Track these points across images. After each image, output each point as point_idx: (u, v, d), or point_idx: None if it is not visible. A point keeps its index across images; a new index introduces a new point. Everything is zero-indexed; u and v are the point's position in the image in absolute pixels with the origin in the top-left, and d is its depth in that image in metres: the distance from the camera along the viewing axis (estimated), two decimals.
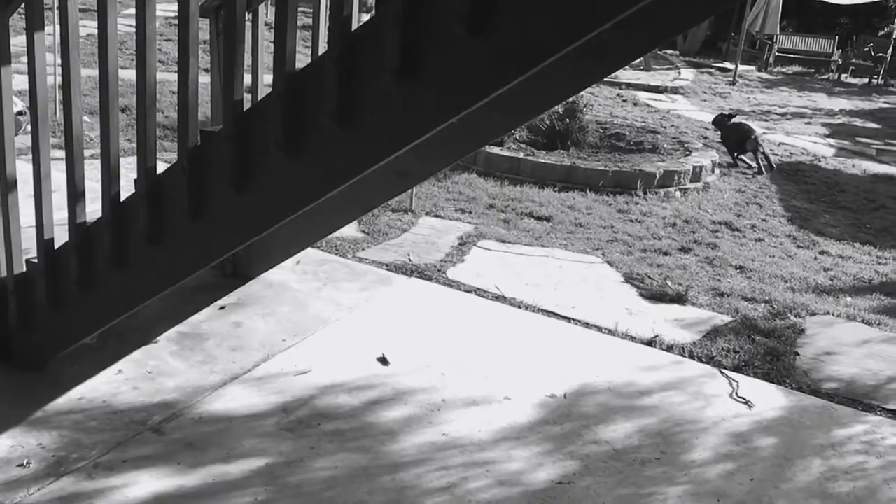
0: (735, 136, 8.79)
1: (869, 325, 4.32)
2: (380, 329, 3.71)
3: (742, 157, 8.75)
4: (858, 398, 3.48)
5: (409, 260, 4.59)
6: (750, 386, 3.49)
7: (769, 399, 3.39)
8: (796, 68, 18.20)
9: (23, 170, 3.11)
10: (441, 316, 3.94)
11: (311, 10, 3.75)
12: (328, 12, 2.06)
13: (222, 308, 3.74)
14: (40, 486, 2.49)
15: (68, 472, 2.55)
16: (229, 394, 3.08)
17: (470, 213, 5.81)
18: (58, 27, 2.64)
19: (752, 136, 8.66)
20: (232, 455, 2.72)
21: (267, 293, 3.95)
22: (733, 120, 9.13)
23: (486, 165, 7.16)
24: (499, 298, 4.20)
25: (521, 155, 7.28)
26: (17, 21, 4.78)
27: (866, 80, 17.86)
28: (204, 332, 3.53)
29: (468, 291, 4.25)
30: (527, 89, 1.90)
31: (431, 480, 2.69)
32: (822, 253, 5.98)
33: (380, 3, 1.96)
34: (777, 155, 9.53)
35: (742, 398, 3.37)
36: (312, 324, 3.69)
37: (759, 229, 6.42)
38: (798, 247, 6.10)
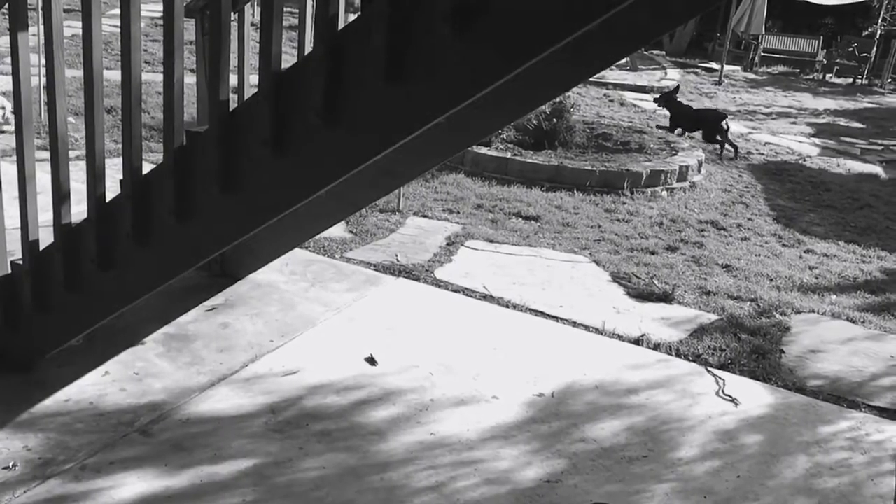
0: (711, 126, 9.10)
1: (853, 322, 4.35)
2: (368, 329, 3.71)
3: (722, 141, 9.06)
4: (843, 395, 3.51)
5: (397, 260, 4.59)
6: (736, 384, 3.51)
7: (755, 397, 3.41)
8: (781, 68, 18.33)
9: (7, 171, 3.09)
10: (429, 316, 3.94)
11: (298, 10, 3.75)
12: (314, 12, 2.06)
13: (210, 309, 3.73)
14: (26, 488, 2.47)
15: (55, 475, 2.54)
16: (217, 395, 3.07)
17: (458, 213, 5.82)
18: (42, 27, 2.63)
19: (726, 123, 9.10)
20: (220, 456, 2.71)
21: (254, 294, 3.94)
22: (688, 105, 9.56)
23: (473, 165, 7.17)
24: (486, 298, 4.20)
25: (509, 155, 7.29)
26: (1, 21, 4.75)
27: (851, 80, 18.00)
28: (191, 333, 3.52)
29: (456, 291, 4.26)
30: (513, 88, 1.91)
31: (420, 480, 2.69)
32: (807, 251, 6.02)
33: (366, 2, 1.97)
34: (763, 154, 9.61)
35: (728, 396, 3.40)
36: (300, 324, 3.69)
37: (745, 228, 6.46)
38: (783, 245, 6.14)
